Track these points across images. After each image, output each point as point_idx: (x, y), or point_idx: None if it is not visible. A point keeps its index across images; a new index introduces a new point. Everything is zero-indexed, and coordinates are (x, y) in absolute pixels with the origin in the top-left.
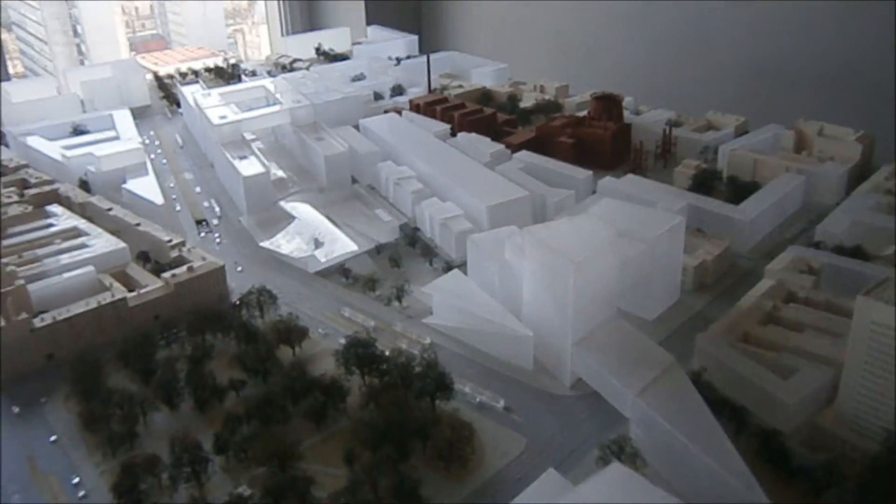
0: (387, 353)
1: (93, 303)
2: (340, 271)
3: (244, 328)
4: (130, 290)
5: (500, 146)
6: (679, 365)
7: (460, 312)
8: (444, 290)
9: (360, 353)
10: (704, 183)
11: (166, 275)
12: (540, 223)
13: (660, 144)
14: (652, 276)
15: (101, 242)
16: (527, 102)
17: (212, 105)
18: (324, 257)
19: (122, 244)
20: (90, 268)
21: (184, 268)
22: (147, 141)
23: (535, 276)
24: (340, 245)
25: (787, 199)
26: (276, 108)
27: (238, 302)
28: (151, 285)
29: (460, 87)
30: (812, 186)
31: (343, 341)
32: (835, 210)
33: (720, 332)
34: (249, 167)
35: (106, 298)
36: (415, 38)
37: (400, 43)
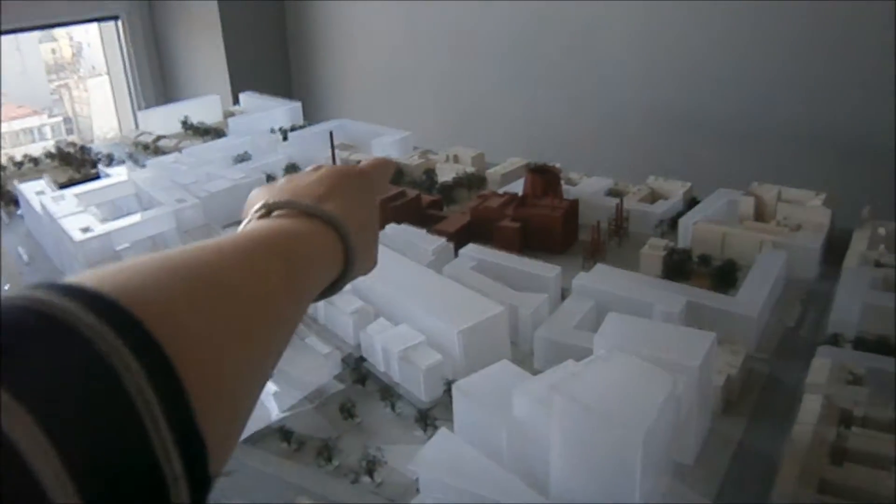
0: None
1: None
2: (278, 434)
3: None
4: None
5: (441, 240)
6: None
7: (463, 494)
8: (437, 465)
9: None
10: (678, 267)
11: None
12: (513, 338)
13: (612, 221)
14: (690, 411)
15: None
16: (445, 176)
17: (68, 213)
18: (254, 420)
19: None
20: None
21: None
22: None
23: (576, 449)
24: (272, 397)
25: (776, 281)
26: (156, 211)
27: None
28: None
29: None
30: (789, 260)
31: None
32: (837, 293)
33: (793, 483)
34: None
35: None
36: (297, 105)
37: (281, 111)
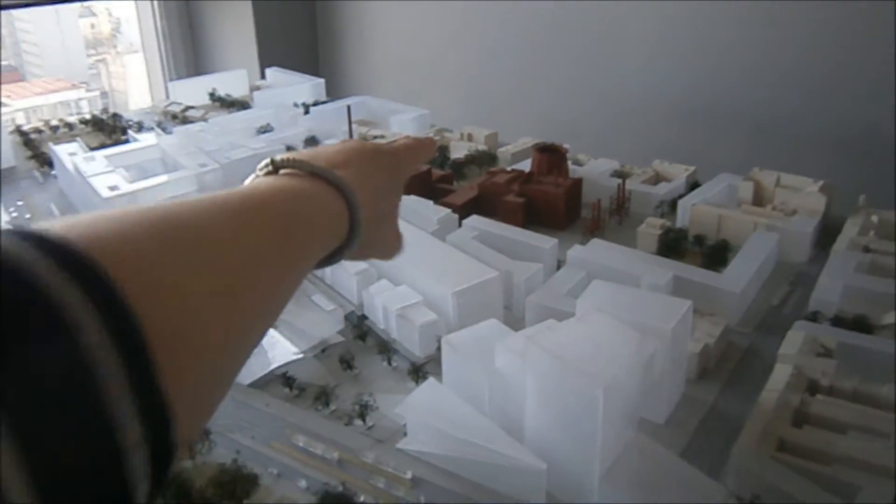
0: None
1: None
2: (281, 380)
3: (173, 482)
4: None
5: (446, 210)
6: (731, 496)
7: (445, 437)
8: (422, 410)
9: None
10: (673, 245)
11: None
12: (507, 303)
13: (614, 200)
14: (663, 372)
15: None
16: (457, 153)
17: (97, 172)
18: (259, 366)
19: None
20: None
21: None
22: (15, 213)
23: (546, 397)
24: (279, 347)
25: (765, 262)
26: (179, 173)
27: None
28: None
29: (382, 136)
30: (782, 243)
31: (304, 485)
32: (822, 274)
33: (754, 441)
34: None
35: None
36: (321, 81)
37: (305, 87)
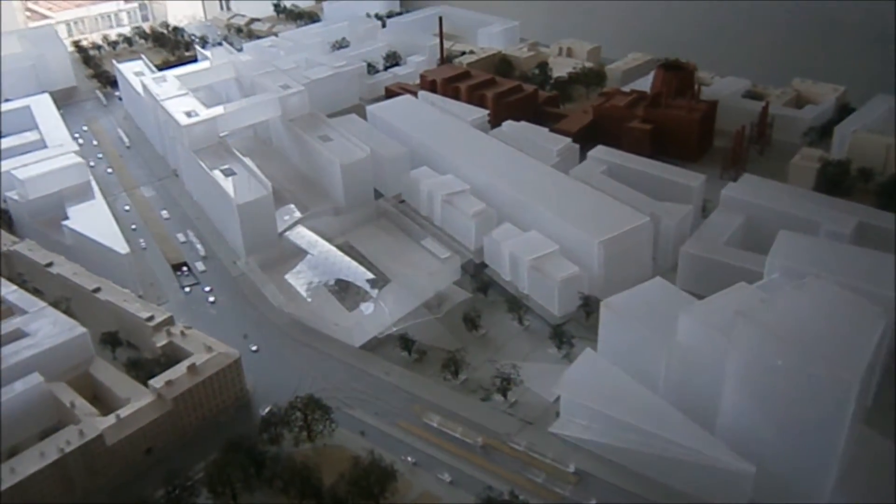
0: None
1: (52, 451)
2: (399, 341)
3: (299, 477)
4: (104, 412)
5: (565, 140)
6: None
7: (610, 422)
8: (583, 389)
9: None
10: (836, 181)
11: (157, 382)
12: (652, 253)
13: (754, 127)
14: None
15: (46, 326)
16: (559, 71)
17: (171, 95)
18: (373, 326)
19: (80, 328)
20: (35, 377)
21: (181, 367)
22: (81, 140)
23: (762, 384)
24: (392, 302)
25: None
26: (261, 97)
27: (268, 413)
28: (136, 400)
29: (470, 52)
30: None
31: (448, 478)
32: None
33: None
34: (242, 188)
35: (71, 439)
36: None
37: None
